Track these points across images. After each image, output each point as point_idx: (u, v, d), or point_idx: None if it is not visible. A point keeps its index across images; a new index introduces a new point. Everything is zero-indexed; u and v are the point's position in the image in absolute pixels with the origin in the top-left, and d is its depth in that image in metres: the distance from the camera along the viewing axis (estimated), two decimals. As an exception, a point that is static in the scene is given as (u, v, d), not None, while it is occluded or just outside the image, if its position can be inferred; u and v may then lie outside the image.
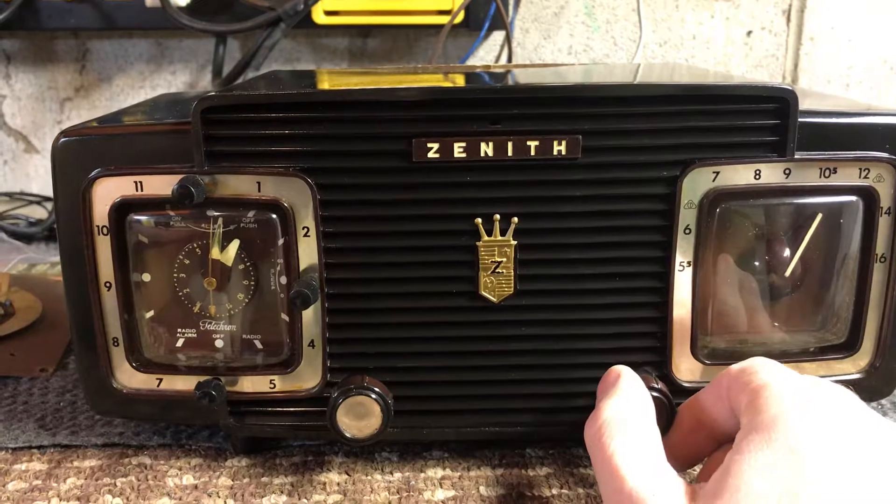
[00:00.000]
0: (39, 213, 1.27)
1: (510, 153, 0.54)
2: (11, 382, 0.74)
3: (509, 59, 1.25)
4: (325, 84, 0.73)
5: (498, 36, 1.28)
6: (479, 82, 0.69)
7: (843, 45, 1.31)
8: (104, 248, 0.57)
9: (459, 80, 0.72)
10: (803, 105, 0.54)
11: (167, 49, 1.30)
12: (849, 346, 0.59)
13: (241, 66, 1.15)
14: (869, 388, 0.61)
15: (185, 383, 0.59)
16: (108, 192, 0.56)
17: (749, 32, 1.31)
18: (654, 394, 0.54)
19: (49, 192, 1.31)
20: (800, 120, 0.54)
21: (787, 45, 1.32)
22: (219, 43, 1.21)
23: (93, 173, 0.55)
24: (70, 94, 1.31)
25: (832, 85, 1.32)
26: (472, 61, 1.28)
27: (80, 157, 0.56)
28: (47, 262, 1.07)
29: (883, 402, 0.67)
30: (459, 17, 1.14)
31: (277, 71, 1.00)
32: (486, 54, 1.30)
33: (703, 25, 1.30)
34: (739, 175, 0.55)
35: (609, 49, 1.31)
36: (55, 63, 1.30)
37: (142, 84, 1.32)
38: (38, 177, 1.34)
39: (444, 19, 1.14)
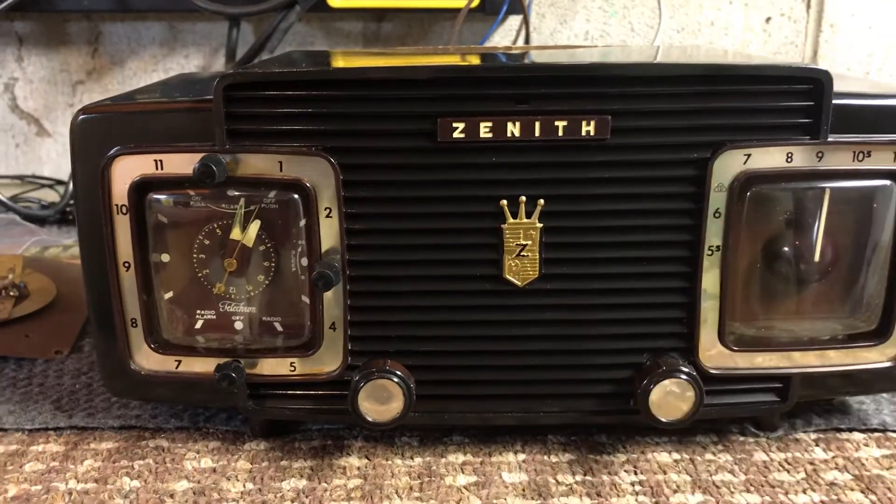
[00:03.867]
0: (52, 196, 1.26)
1: (537, 133, 0.53)
2: (27, 364, 0.73)
3: (527, 44, 1.23)
4: (344, 64, 0.72)
5: (514, 21, 1.27)
6: (502, 62, 0.68)
7: (864, 32, 1.29)
8: (123, 227, 0.56)
9: (474, 60, 0.70)
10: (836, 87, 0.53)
11: (180, 32, 1.29)
12: (879, 334, 0.58)
13: (255, 49, 1.14)
14: (897, 378, 0.60)
15: (203, 365, 0.58)
16: (127, 170, 0.55)
17: (768, 19, 1.29)
18: (684, 376, 0.53)
19: (61, 176, 1.30)
20: (833, 102, 0.53)
21: (807, 31, 1.30)
22: (232, 26, 1.20)
23: (112, 151, 0.54)
24: (82, 77, 1.31)
25: (852, 73, 1.30)
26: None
27: (99, 134, 0.55)
28: (60, 244, 1.06)
29: (910, 391, 0.66)
30: (476, 1, 1.13)
31: (294, 52, 0.98)
32: (502, 40, 1.28)
33: (722, 11, 1.28)
34: (771, 158, 0.54)
35: (626, 34, 1.29)
36: (67, 46, 1.29)
37: (154, 67, 1.31)
38: (50, 160, 1.33)
39: (460, 3, 1.13)
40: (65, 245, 1.07)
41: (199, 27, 1.28)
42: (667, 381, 0.54)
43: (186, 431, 0.62)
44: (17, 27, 1.28)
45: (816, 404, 0.65)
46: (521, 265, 0.56)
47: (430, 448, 0.60)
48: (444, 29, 1.27)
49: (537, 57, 0.70)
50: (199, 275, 0.56)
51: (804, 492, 0.54)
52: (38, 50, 1.29)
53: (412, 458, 0.59)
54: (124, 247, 0.56)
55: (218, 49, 1.29)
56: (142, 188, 0.55)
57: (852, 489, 0.55)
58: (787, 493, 0.54)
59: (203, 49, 1.30)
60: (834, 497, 0.54)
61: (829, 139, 0.54)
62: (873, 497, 0.54)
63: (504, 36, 1.28)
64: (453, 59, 0.64)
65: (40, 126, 1.32)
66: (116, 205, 0.55)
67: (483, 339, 0.57)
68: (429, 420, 0.59)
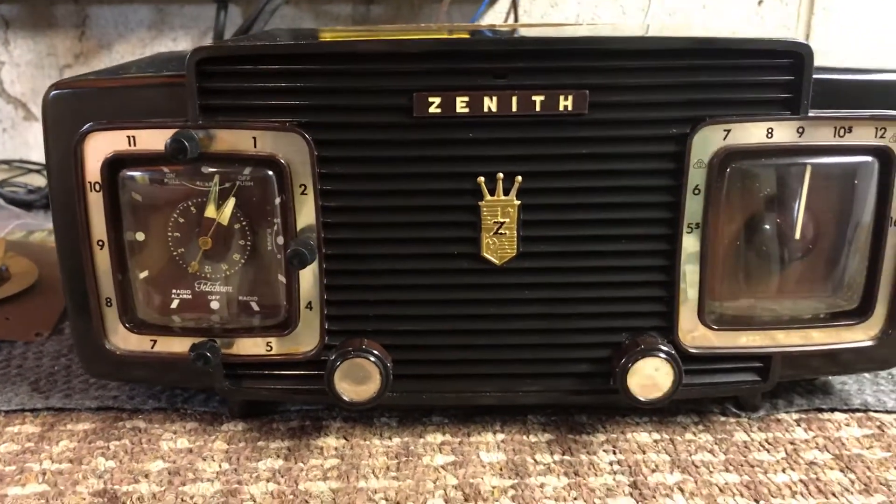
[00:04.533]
0: (38, 181, 1.25)
1: (514, 108, 0.52)
2: (6, 346, 0.72)
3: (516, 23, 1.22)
4: (323, 40, 0.71)
5: (504, 3, 1.26)
6: (479, 36, 0.67)
7: (857, 16, 1.28)
8: (97, 205, 0.55)
9: (464, 36, 0.70)
10: (818, 62, 0.52)
11: (168, 15, 1.28)
12: (860, 313, 0.58)
13: (242, 31, 1.13)
14: (879, 358, 0.59)
15: (180, 345, 0.58)
16: (100, 147, 0.54)
17: (760, 2, 1.28)
18: (662, 355, 0.53)
19: (48, 160, 1.29)
20: (814, 77, 0.52)
21: (799, 14, 1.29)
22: (220, 8, 1.19)
23: (84, 127, 0.54)
24: (70, 60, 1.30)
25: (849, 56, 1.30)
26: (477, 29, 1.25)
27: (71, 110, 0.54)
28: (45, 228, 1.06)
29: (893, 371, 0.66)
30: (465, -17, 1.12)
31: (275, 29, 0.97)
32: (494, 22, 1.27)
33: (714, -6, 1.27)
34: (751, 133, 0.53)
35: (617, 17, 1.28)
36: (54, 29, 1.28)
37: (142, 51, 1.30)
38: (37, 145, 1.32)
39: (448, -16, 1.12)
40: (50, 230, 1.06)
41: (186, 10, 1.27)
42: (645, 360, 0.54)
43: (164, 412, 0.62)
44: (3, 10, 1.27)
45: (799, 384, 0.64)
46: (499, 243, 0.55)
47: (409, 428, 0.60)
48: (433, 11, 1.26)
49: (521, 33, 0.69)
50: (175, 254, 0.56)
51: (783, 471, 0.54)
52: (25, 33, 1.28)
53: (390, 439, 0.58)
54: (98, 225, 0.55)
55: (206, 32, 1.28)
56: (115, 165, 0.54)
57: (831, 468, 0.54)
58: (766, 473, 0.54)
59: (191, 32, 1.29)
60: (813, 476, 0.53)
61: (810, 114, 0.53)
62: (852, 476, 0.53)
63: (496, 18, 1.28)
64: (432, 34, 0.63)
65: (27, 110, 1.32)
66: (90, 182, 0.55)
67: (461, 319, 0.57)
68: (407, 400, 0.59)
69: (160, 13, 1.27)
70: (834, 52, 1.29)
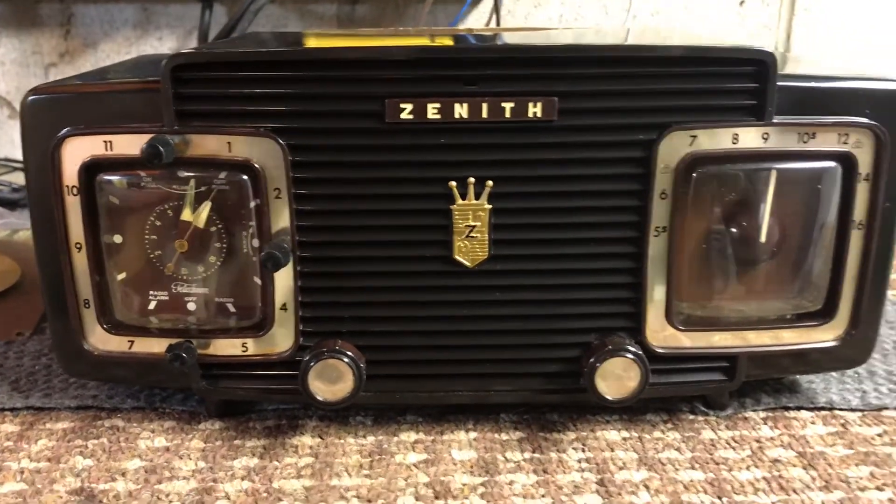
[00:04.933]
0: (23, 179, 1.25)
1: (485, 115, 0.53)
2: (-12, 345, 0.73)
3: (497, 26, 1.23)
4: (303, 45, 0.72)
5: (487, 3, 1.26)
6: (460, 43, 0.68)
7: (838, 17, 1.30)
8: (74, 208, 0.56)
9: (441, 42, 0.71)
10: (787, 69, 0.53)
11: (153, 14, 1.28)
12: (825, 314, 0.59)
13: (226, 30, 1.14)
14: (844, 357, 0.61)
15: (157, 346, 0.58)
16: (77, 151, 0.55)
17: (742, 2, 1.29)
18: (629, 355, 0.54)
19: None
20: (779, 84, 0.53)
21: (780, 15, 1.30)
22: (205, 8, 1.20)
23: (62, 132, 0.55)
24: (55, 59, 1.30)
25: (827, 57, 1.31)
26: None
27: (49, 115, 0.55)
28: (29, 227, 1.06)
29: (859, 370, 0.67)
30: (447, -17, 1.13)
31: (258, 32, 0.98)
32: (477, 22, 1.28)
33: (696, -6, 1.29)
34: (717, 139, 0.54)
35: (600, 17, 1.29)
36: (39, 28, 1.29)
37: (128, 50, 1.30)
38: (22, 143, 1.33)
39: (431, -15, 1.13)
40: (34, 228, 1.06)
41: (172, 9, 1.28)
42: (613, 360, 0.55)
43: (142, 411, 0.63)
44: (-13, 8, 1.27)
45: (766, 384, 0.66)
46: (471, 246, 0.56)
47: (384, 427, 0.61)
48: (418, 11, 1.27)
49: (497, 38, 0.70)
50: (152, 256, 0.57)
51: (748, 468, 0.55)
52: (10, 31, 1.29)
53: (365, 437, 0.59)
54: (76, 228, 0.56)
55: (191, 31, 1.29)
56: (92, 169, 0.55)
57: (794, 465, 0.56)
58: (731, 470, 0.55)
59: (177, 31, 1.29)
60: (776, 473, 0.55)
61: (775, 121, 0.54)
62: (814, 473, 0.55)
63: (479, 19, 1.28)
64: (408, 41, 0.64)
65: (13, 109, 1.32)
66: (67, 186, 0.56)
67: (434, 320, 0.58)
68: (381, 399, 0.60)
69: (145, 12, 1.28)
70: (813, 54, 1.30)
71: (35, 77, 1.30)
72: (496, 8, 1.20)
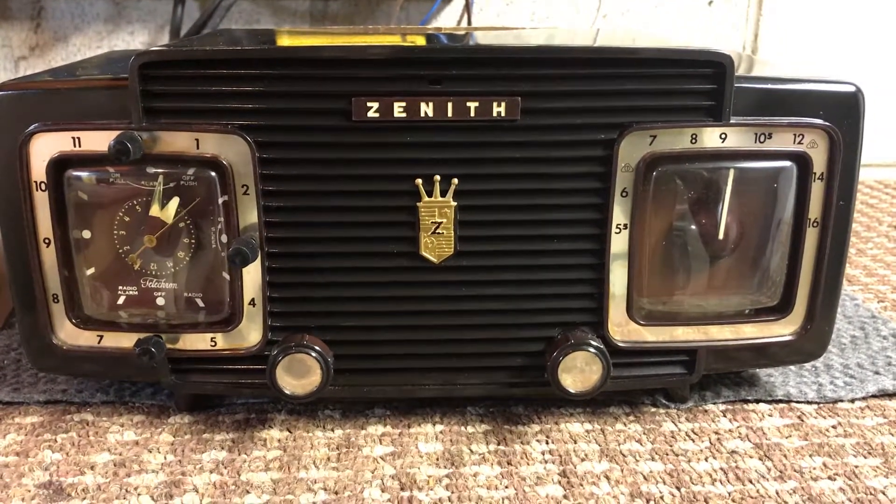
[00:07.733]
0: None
1: (450, 114, 0.54)
2: (-44, 341, 0.73)
3: (468, 24, 1.24)
4: (272, 43, 0.73)
5: (461, 0, 1.27)
6: (430, 43, 0.69)
7: (805, 17, 1.32)
8: (43, 204, 0.56)
9: (411, 41, 0.71)
10: (747, 71, 0.54)
11: (125, 9, 1.28)
12: (782, 309, 0.61)
13: (198, 26, 1.14)
14: (802, 351, 0.63)
15: (127, 340, 0.59)
16: (45, 147, 0.55)
17: (710, 2, 1.31)
18: (591, 349, 0.55)
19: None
20: (736, 85, 0.55)
21: (748, 15, 1.32)
22: (177, 3, 1.19)
23: (30, 128, 0.55)
24: (25, 52, 1.29)
25: (793, 57, 1.33)
26: (432, 25, 1.27)
27: (17, 111, 0.55)
28: None
29: (816, 363, 0.69)
30: (419, -19, 1.13)
31: (230, 29, 0.98)
32: (450, 20, 1.29)
33: (665, -6, 1.30)
34: (676, 139, 0.56)
35: (571, 16, 1.31)
36: (9, 21, 1.28)
37: (99, 44, 1.30)
38: (-8, 137, 1.32)
39: (404, -18, 1.13)
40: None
41: (143, 4, 1.27)
42: (575, 354, 0.56)
43: (112, 405, 0.63)
44: (-44, 1, 1.26)
45: (727, 377, 0.67)
46: (437, 242, 0.57)
47: (352, 420, 0.62)
48: (390, 7, 1.28)
49: (466, 38, 0.71)
50: (120, 251, 0.57)
51: (706, 459, 0.57)
52: (-21, 25, 1.28)
53: (333, 431, 0.60)
54: (44, 223, 0.57)
55: (163, 26, 1.28)
56: (60, 165, 0.56)
57: (751, 456, 0.57)
58: (689, 461, 0.57)
59: (148, 26, 1.29)
60: (733, 464, 0.56)
61: (732, 121, 0.56)
62: (769, 463, 0.56)
63: (452, 15, 1.29)
64: (378, 40, 0.65)
65: (-18, 102, 1.31)
66: (35, 181, 0.56)
67: (401, 315, 0.59)
68: (349, 393, 0.61)
69: (117, 7, 1.27)
70: (779, 54, 1.33)
71: (5, 70, 1.29)
72: (468, 6, 1.21)
